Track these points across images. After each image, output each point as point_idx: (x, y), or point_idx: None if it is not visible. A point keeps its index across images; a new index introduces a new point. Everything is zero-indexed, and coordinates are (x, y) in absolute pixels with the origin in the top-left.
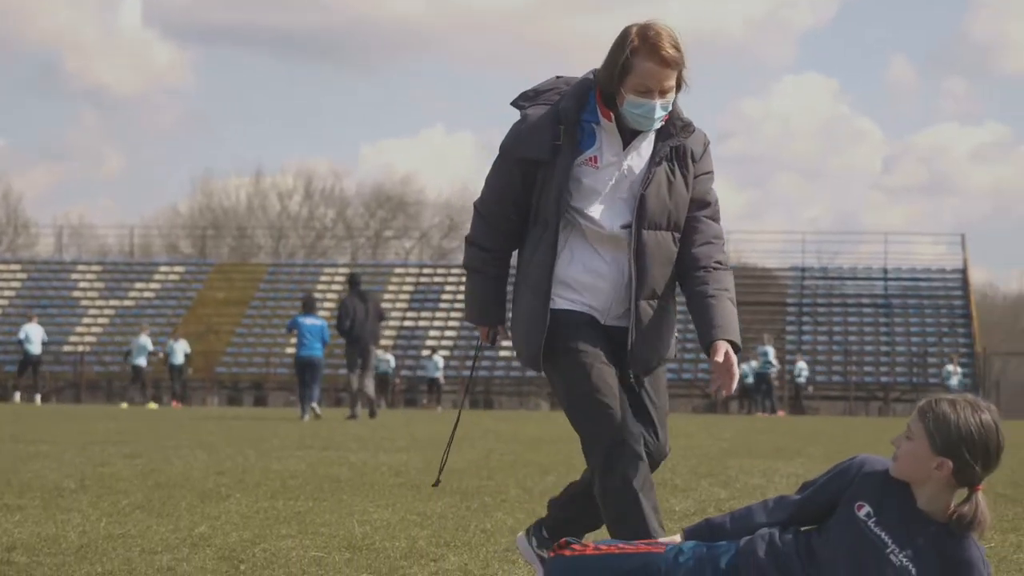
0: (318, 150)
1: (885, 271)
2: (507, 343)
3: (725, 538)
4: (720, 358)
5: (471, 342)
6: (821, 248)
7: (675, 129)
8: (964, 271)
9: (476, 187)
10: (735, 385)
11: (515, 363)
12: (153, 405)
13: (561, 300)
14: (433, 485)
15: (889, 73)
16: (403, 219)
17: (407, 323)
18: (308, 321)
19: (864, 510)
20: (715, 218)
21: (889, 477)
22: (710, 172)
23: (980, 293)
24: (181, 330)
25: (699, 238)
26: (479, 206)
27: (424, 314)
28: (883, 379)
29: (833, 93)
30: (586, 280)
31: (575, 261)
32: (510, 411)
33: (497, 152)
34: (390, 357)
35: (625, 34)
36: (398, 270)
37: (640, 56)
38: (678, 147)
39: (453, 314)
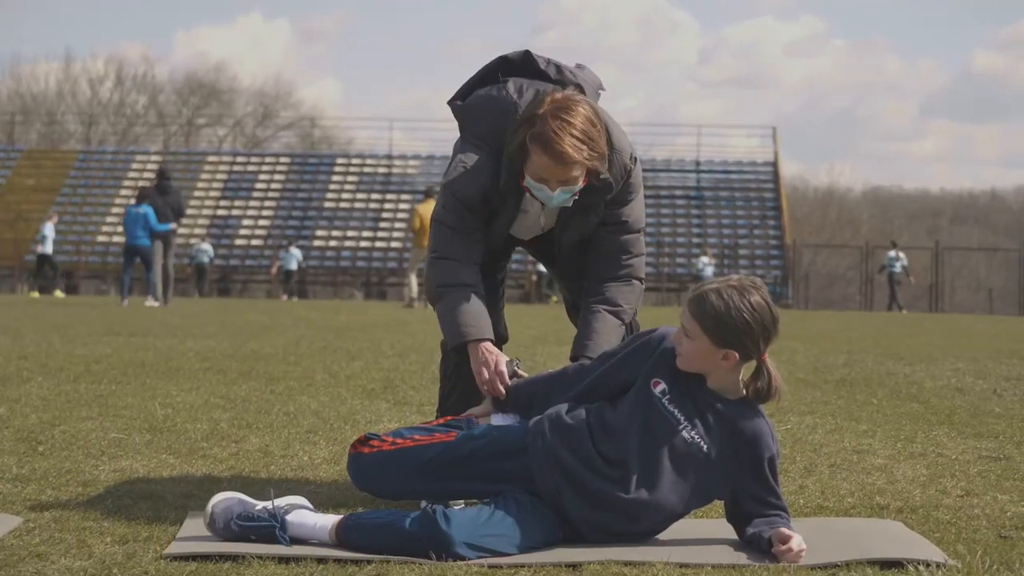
0: (132, 36)
1: (698, 163)
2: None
3: (530, 414)
4: None
5: (285, 232)
6: (635, 140)
7: (591, 190)
8: (775, 164)
9: (291, 75)
10: None
11: (329, 253)
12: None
13: None
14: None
15: None
16: (216, 106)
17: (220, 212)
18: (135, 210)
19: (660, 387)
20: (624, 232)
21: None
22: (630, 200)
23: (791, 186)
24: None
25: (598, 254)
26: (439, 224)
27: (237, 203)
28: (694, 271)
29: None
30: None
31: None
32: (324, 300)
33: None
34: (208, 247)
35: (530, 116)
36: (211, 158)
37: (536, 150)
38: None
39: (267, 203)
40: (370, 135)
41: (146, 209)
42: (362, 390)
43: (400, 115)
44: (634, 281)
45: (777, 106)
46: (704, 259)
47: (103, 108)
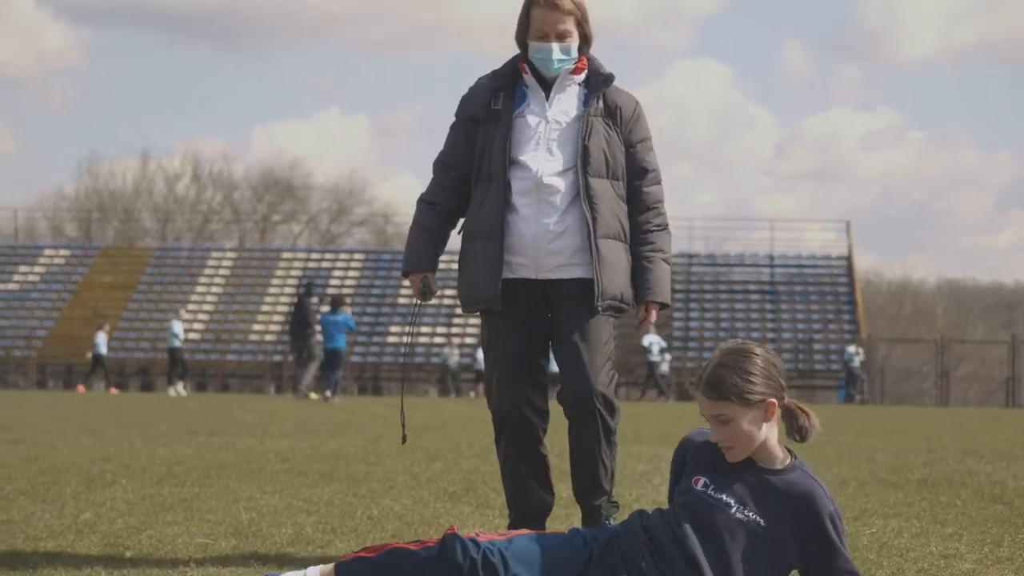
0: (211, 133)
1: (771, 257)
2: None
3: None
4: (646, 318)
5: (375, 328)
6: (710, 235)
7: (598, 82)
8: (849, 258)
9: (365, 171)
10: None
11: (403, 349)
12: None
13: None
14: (403, 443)
15: (782, 59)
16: (291, 203)
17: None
18: (331, 317)
19: (700, 482)
20: (655, 183)
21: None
22: (645, 139)
23: (865, 280)
24: (67, 314)
25: (639, 206)
26: (434, 164)
27: (312, 299)
28: None
29: (727, 79)
30: (510, 241)
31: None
32: (398, 397)
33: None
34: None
35: None
36: (286, 255)
37: (536, 6)
38: (608, 103)
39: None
40: None
41: (343, 316)
42: (444, 492)
43: None
44: (669, 228)
45: (853, 199)
46: (851, 348)
47: (179, 205)
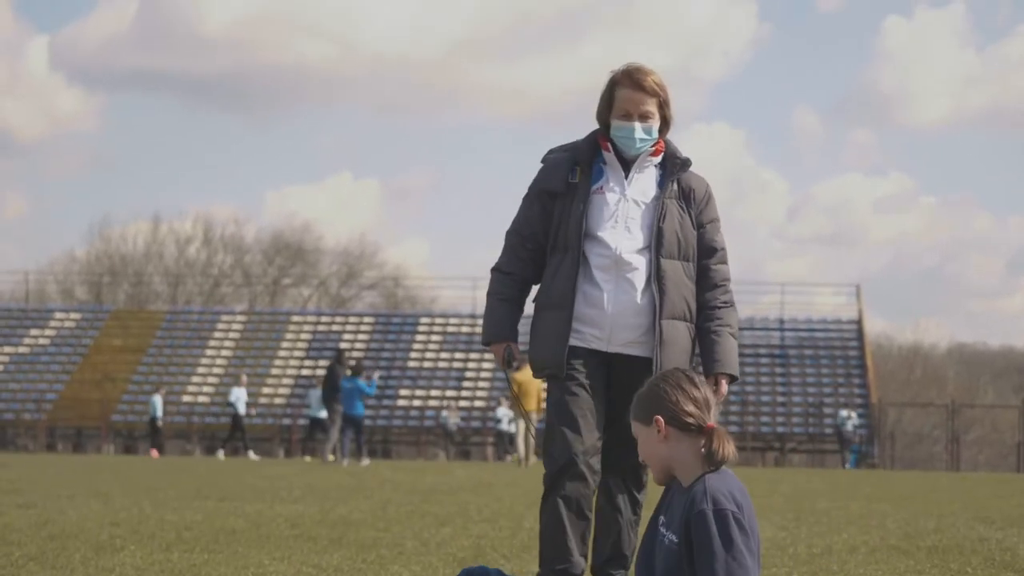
0: (223, 197)
1: (781, 321)
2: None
3: None
4: (717, 390)
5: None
6: None
7: (675, 166)
8: (859, 322)
9: (376, 235)
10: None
11: (412, 413)
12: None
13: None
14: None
15: (794, 123)
16: (302, 267)
17: (304, 371)
18: (349, 384)
19: (661, 520)
20: (722, 262)
21: (671, 484)
22: (715, 220)
23: (875, 343)
24: (77, 377)
25: (708, 283)
26: (507, 234)
27: (322, 363)
28: (779, 429)
29: (740, 143)
30: (587, 313)
31: (578, 293)
32: (408, 460)
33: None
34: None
35: (612, 74)
36: (295, 318)
37: (620, 86)
38: (683, 186)
39: (351, 363)
40: (454, 294)
41: (359, 383)
42: (453, 559)
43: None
44: (735, 306)
45: (865, 263)
46: (843, 412)
47: (190, 268)
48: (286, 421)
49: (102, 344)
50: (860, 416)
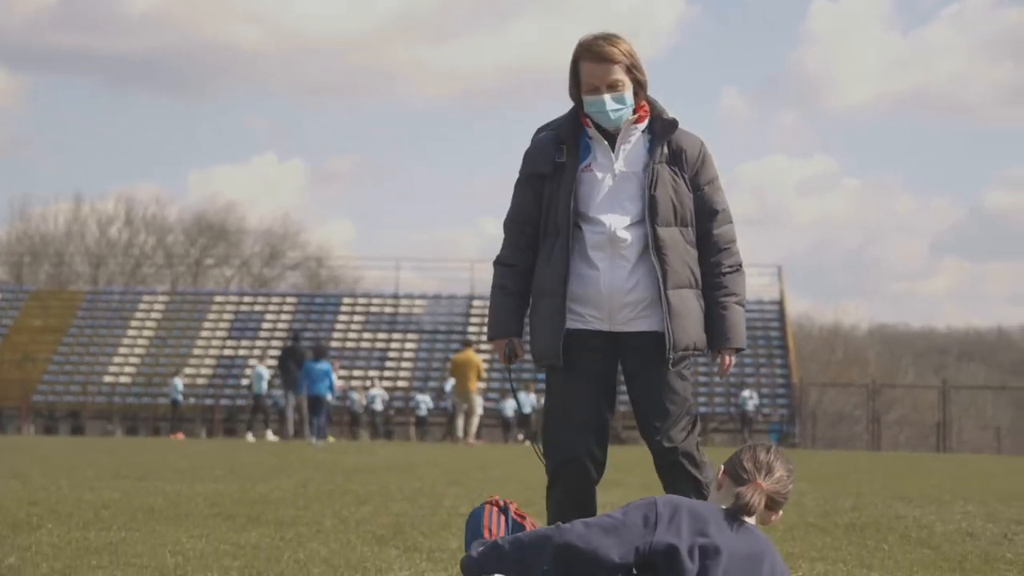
0: (147, 177)
1: None
2: None
3: None
4: (723, 364)
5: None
6: None
7: (663, 128)
8: (781, 303)
9: (300, 216)
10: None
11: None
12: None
13: (568, 317)
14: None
15: (720, 105)
16: (224, 247)
17: (227, 351)
18: (316, 366)
19: None
20: (725, 223)
21: None
22: (713, 180)
23: (797, 324)
24: None
25: (711, 248)
26: (505, 225)
27: (244, 342)
28: (702, 409)
29: None
30: (582, 293)
31: (572, 276)
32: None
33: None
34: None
35: (574, 48)
36: (218, 298)
37: (582, 60)
38: (673, 148)
39: (273, 342)
40: (378, 275)
41: (326, 365)
42: (372, 536)
43: (411, 255)
44: (742, 268)
45: (789, 244)
46: (745, 393)
47: (111, 248)
48: (208, 401)
49: (22, 324)
50: (781, 397)
